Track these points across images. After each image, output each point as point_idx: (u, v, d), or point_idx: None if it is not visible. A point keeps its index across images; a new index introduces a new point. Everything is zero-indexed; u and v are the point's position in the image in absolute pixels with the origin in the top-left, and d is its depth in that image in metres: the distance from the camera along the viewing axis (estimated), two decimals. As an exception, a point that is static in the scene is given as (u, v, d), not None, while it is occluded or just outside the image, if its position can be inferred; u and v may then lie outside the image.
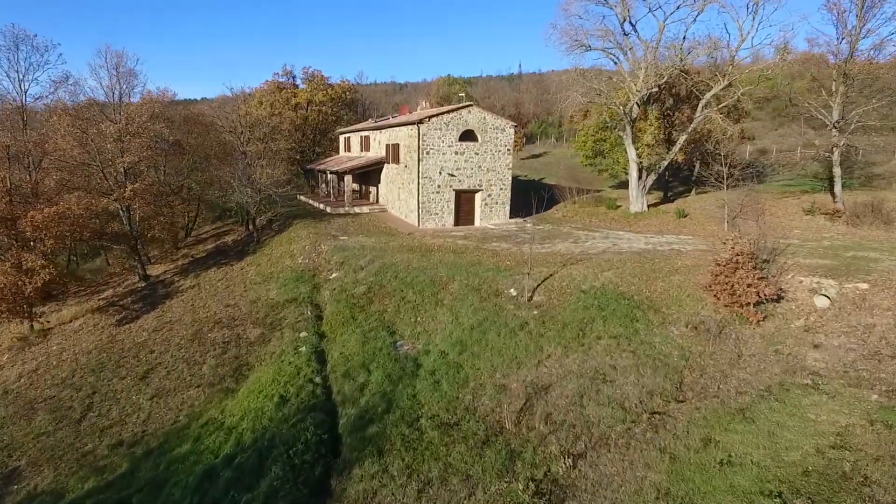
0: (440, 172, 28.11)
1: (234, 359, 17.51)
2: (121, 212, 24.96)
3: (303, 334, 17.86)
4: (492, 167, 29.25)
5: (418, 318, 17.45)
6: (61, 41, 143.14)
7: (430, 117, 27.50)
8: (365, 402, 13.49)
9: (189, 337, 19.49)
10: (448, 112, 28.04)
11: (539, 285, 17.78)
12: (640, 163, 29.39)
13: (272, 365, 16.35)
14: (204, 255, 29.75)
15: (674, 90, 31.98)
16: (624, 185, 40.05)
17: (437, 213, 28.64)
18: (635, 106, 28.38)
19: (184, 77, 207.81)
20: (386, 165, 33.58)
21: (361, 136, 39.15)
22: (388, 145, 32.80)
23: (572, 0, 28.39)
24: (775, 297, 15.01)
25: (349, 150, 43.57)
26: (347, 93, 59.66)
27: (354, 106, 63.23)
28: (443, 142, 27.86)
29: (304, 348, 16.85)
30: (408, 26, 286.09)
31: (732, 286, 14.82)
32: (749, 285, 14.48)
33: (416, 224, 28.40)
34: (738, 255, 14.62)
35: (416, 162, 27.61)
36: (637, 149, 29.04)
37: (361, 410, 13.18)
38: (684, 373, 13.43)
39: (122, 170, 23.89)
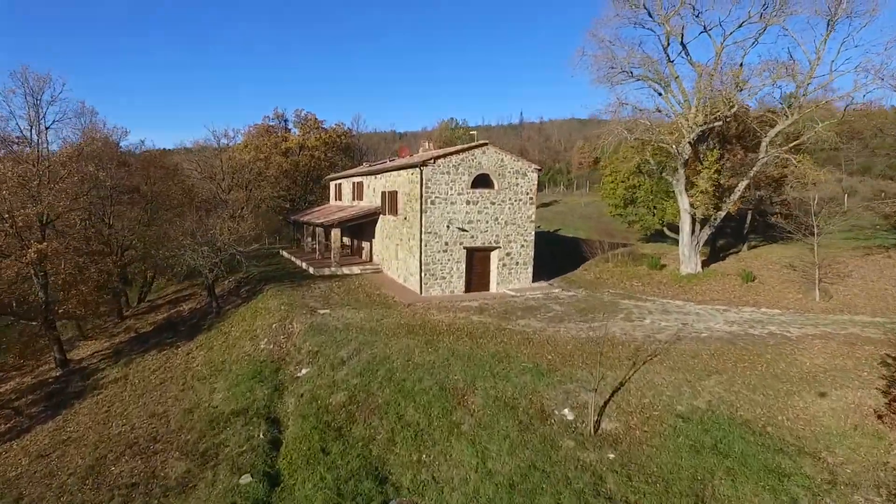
0: (448, 226, 22.53)
1: (133, 523, 11.16)
2: (34, 277, 19.16)
3: (244, 479, 11.58)
4: (511, 220, 23.70)
5: (423, 456, 11.26)
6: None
7: (435, 159, 22.19)
8: None
9: (82, 472, 13.16)
10: (458, 153, 22.74)
11: (607, 402, 11.72)
12: (694, 213, 23.90)
13: (186, 544, 10.03)
14: (150, 329, 23.65)
15: (720, 128, 27.01)
16: (657, 237, 34.60)
17: (443, 277, 22.81)
18: (688, 145, 23.18)
19: (173, 127, 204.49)
20: (381, 217, 28.09)
21: (354, 183, 33.87)
22: (384, 193, 27.43)
23: (605, 21, 23.79)
24: None
25: (340, 199, 38.23)
26: (343, 137, 55.28)
27: (351, 152, 58.55)
28: (451, 189, 22.44)
29: (241, 509, 10.59)
30: (408, 75, 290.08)
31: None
32: None
33: (418, 290, 22.53)
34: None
35: (419, 213, 22.10)
36: (691, 196, 23.62)
37: None
38: None
39: (35, 223, 18.28)
